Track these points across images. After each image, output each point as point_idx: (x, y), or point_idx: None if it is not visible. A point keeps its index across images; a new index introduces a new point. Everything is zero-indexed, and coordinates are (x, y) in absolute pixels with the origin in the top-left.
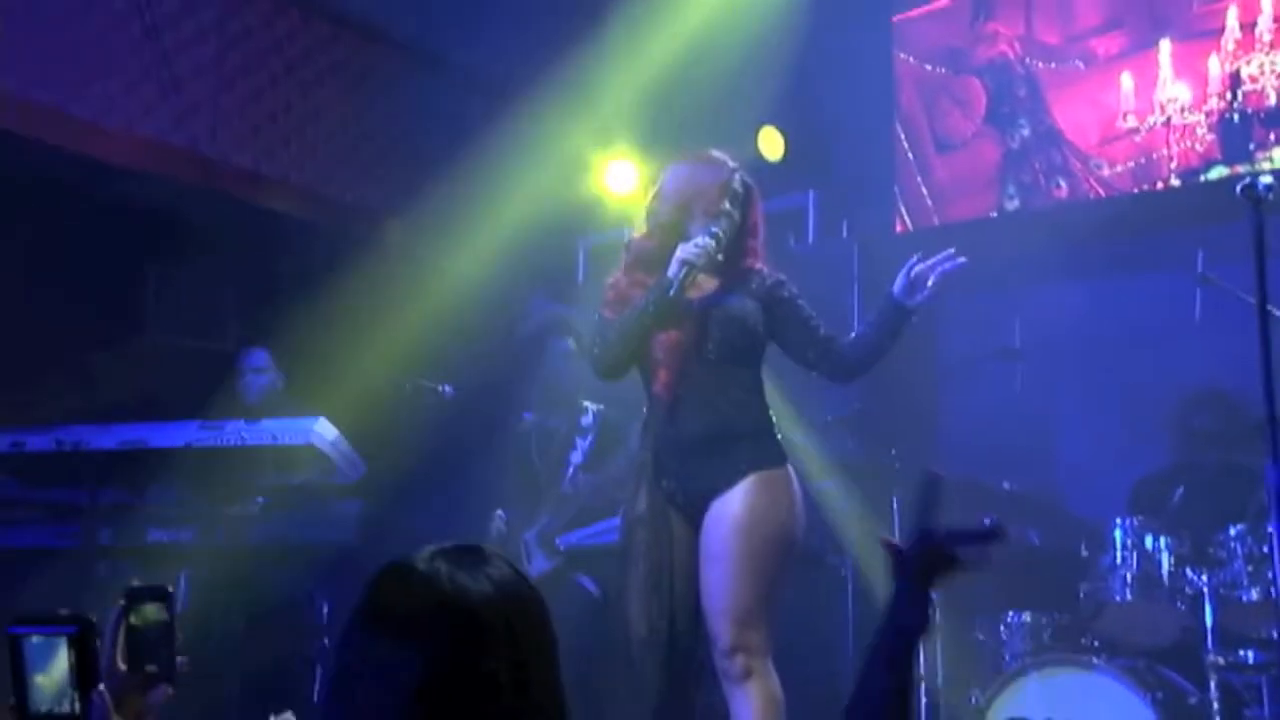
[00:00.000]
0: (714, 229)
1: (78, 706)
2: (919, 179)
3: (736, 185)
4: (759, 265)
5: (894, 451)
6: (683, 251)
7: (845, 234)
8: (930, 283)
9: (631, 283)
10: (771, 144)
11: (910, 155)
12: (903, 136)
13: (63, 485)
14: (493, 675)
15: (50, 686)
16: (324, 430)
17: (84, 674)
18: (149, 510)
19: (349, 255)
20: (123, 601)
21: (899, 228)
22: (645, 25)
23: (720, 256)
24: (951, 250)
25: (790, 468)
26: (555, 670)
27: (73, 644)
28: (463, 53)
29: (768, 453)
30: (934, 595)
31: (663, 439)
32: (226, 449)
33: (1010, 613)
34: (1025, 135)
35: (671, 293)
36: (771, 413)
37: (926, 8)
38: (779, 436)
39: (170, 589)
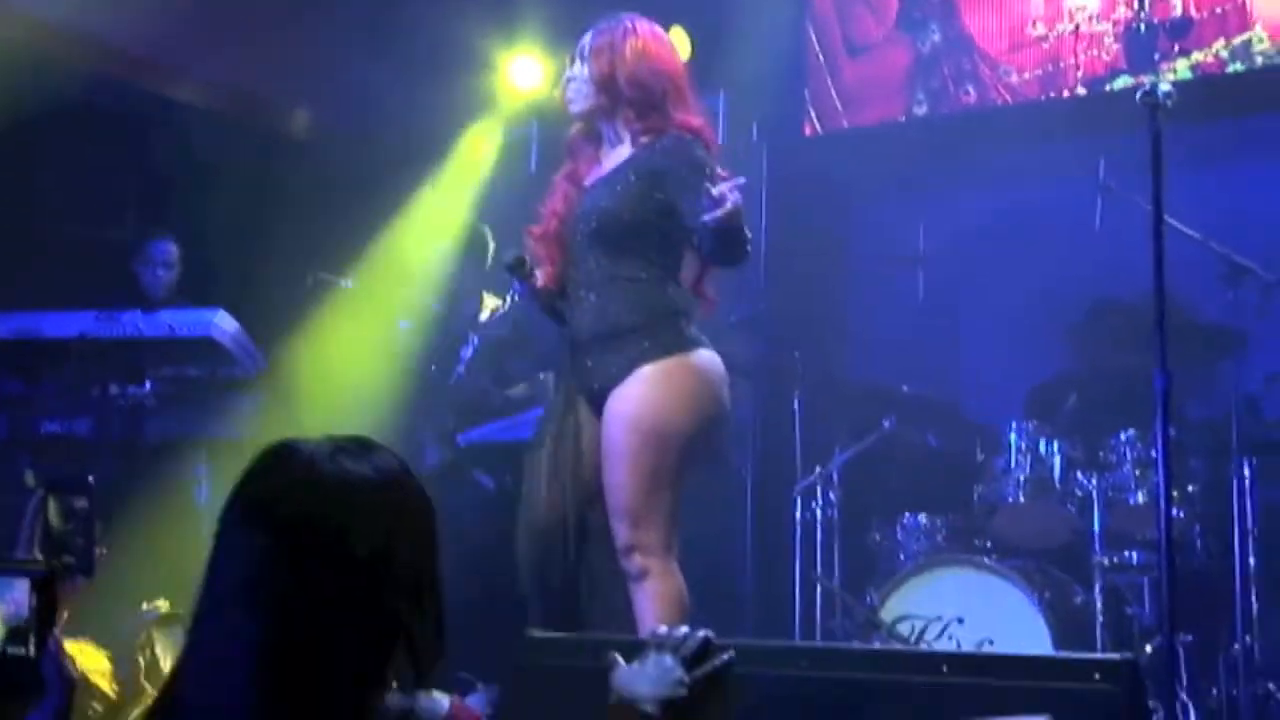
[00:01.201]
0: (510, 267)
1: (35, 650)
2: (829, 81)
3: (584, 42)
4: (654, 129)
5: (797, 354)
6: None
7: (755, 136)
8: (728, 205)
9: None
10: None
11: (821, 58)
12: (814, 38)
13: None
14: (353, 552)
15: (5, 626)
16: (223, 323)
17: (44, 618)
18: (43, 401)
19: (254, 147)
20: (41, 492)
21: (808, 130)
22: None
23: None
24: (742, 179)
25: (696, 355)
26: (430, 557)
27: (35, 587)
28: None
29: (663, 343)
30: None
31: (566, 333)
32: (123, 340)
33: (906, 514)
34: (936, 40)
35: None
36: (674, 297)
37: None
38: (682, 323)
39: (90, 479)
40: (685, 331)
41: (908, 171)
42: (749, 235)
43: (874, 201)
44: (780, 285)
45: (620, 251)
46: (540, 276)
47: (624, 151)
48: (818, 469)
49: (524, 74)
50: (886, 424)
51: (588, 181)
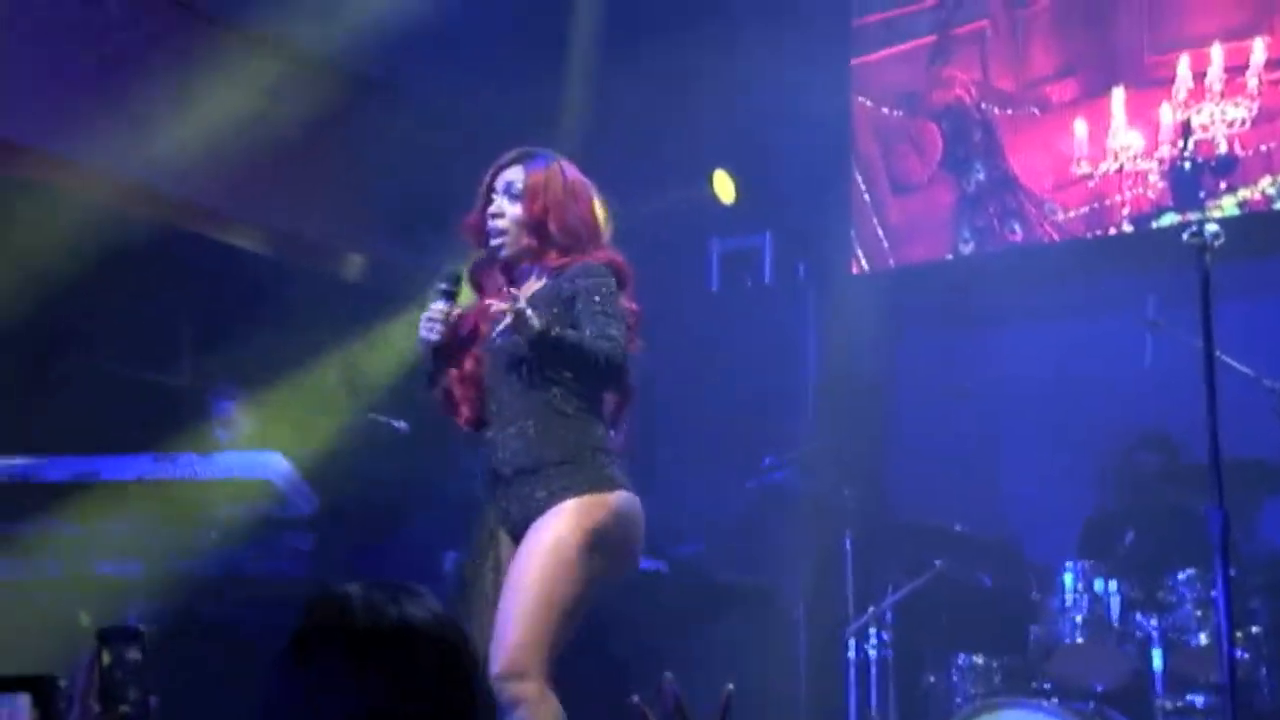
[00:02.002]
0: (440, 283)
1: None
2: (875, 221)
3: (509, 174)
4: (559, 262)
5: (847, 492)
6: (426, 329)
7: (802, 275)
8: (504, 318)
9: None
10: (724, 187)
11: (867, 197)
12: (859, 178)
13: (13, 517)
14: (426, 698)
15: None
16: (278, 464)
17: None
18: (99, 542)
19: (309, 291)
20: (96, 643)
21: (855, 269)
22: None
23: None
24: (516, 292)
25: (616, 496)
26: (474, 703)
27: (36, 703)
28: (424, 87)
29: (585, 479)
30: None
31: (485, 465)
32: (179, 482)
33: (961, 655)
34: (980, 179)
35: (426, 382)
36: (596, 433)
37: (884, 51)
38: (603, 460)
39: (142, 629)
40: (606, 469)
41: (955, 308)
42: (584, 349)
43: (921, 338)
44: (829, 423)
45: (539, 384)
46: (461, 415)
47: (535, 284)
48: (870, 608)
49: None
50: (939, 563)
51: (497, 321)
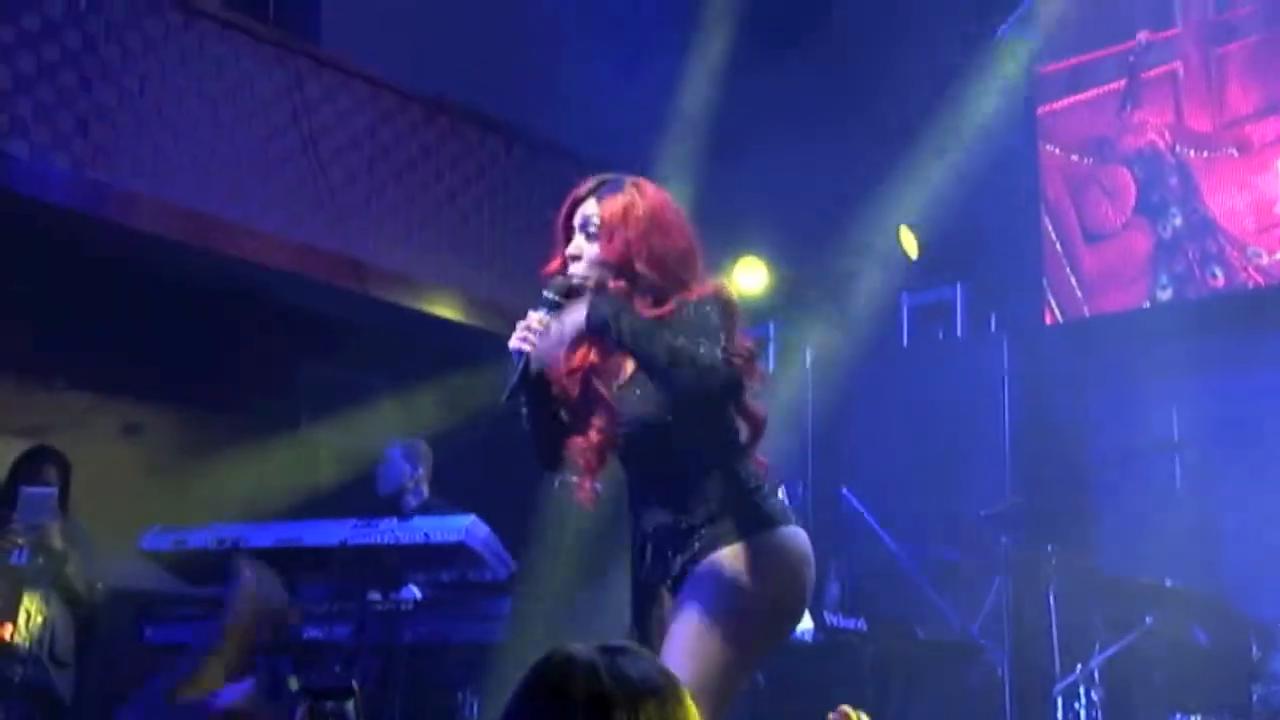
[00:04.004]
0: (548, 293)
1: None
2: (1068, 270)
3: (585, 210)
4: (658, 313)
5: (1050, 548)
6: (520, 337)
7: (994, 327)
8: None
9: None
10: (908, 243)
11: (1058, 246)
12: (1050, 228)
13: (223, 582)
14: None
15: None
16: (475, 529)
17: None
18: (304, 607)
19: (500, 356)
20: (311, 700)
21: (1049, 319)
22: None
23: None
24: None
25: (777, 534)
26: None
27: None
28: (603, 153)
29: (740, 526)
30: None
31: (634, 537)
32: (380, 547)
33: (1177, 715)
34: (1177, 224)
35: (504, 395)
36: (743, 475)
37: (1072, 98)
38: (758, 499)
39: (355, 686)
40: (763, 507)
41: (1156, 357)
42: (649, 350)
43: (1121, 388)
44: (1028, 476)
45: (674, 449)
46: (584, 490)
47: None
48: (1079, 667)
49: (749, 277)
50: (1149, 620)
51: (620, 379)
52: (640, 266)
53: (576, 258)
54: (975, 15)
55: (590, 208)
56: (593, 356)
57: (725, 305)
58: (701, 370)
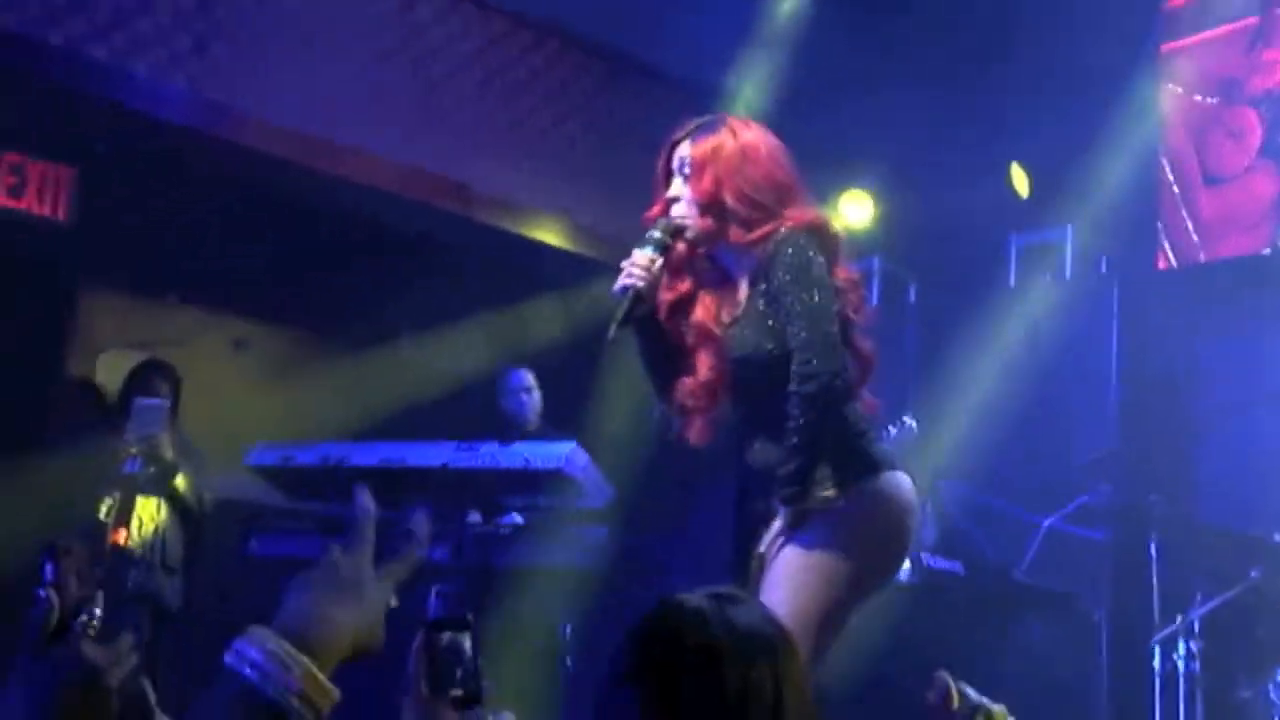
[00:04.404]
0: (654, 231)
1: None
2: (1184, 214)
3: (681, 151)
4: (749, 239)
5: (1153, 497)
6: (627, 275)
7: (1104, 269)
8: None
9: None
10: (1020, 181)
11: (1175, 189)
12: (1168, 169)
13: (328, 498)
14: (765, 700)
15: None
16: (575, 456)
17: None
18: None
19: (603, 285)
20: (427, 629)
21: (1162, 264)
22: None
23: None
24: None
25: (883, 480)
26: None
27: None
28: (717, 79)
29: (846, 471)
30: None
31: (741, 473)
32: (480, 471)
33: None
34: None
35: (611, 332)
36: (850, 418)
37: (1198, 36)
38: (863, 444)
39: (471, 618)
40: (870, 451)
41: (1273, 305)
42: (810, 422)
43: (1235, 337)
44: (1133, 425)
45: (782, 387)
46: (693, 429)
47: (745, 274)
48: (1178, 618)
49: (856, 211)
50: (1254, 574)
51: (726, 317)
52: (730, 201)
53: (676, 199)
54: None
55: (685, 149)
56: (697, 293)
57: (824, 237)
58: (826, 377)
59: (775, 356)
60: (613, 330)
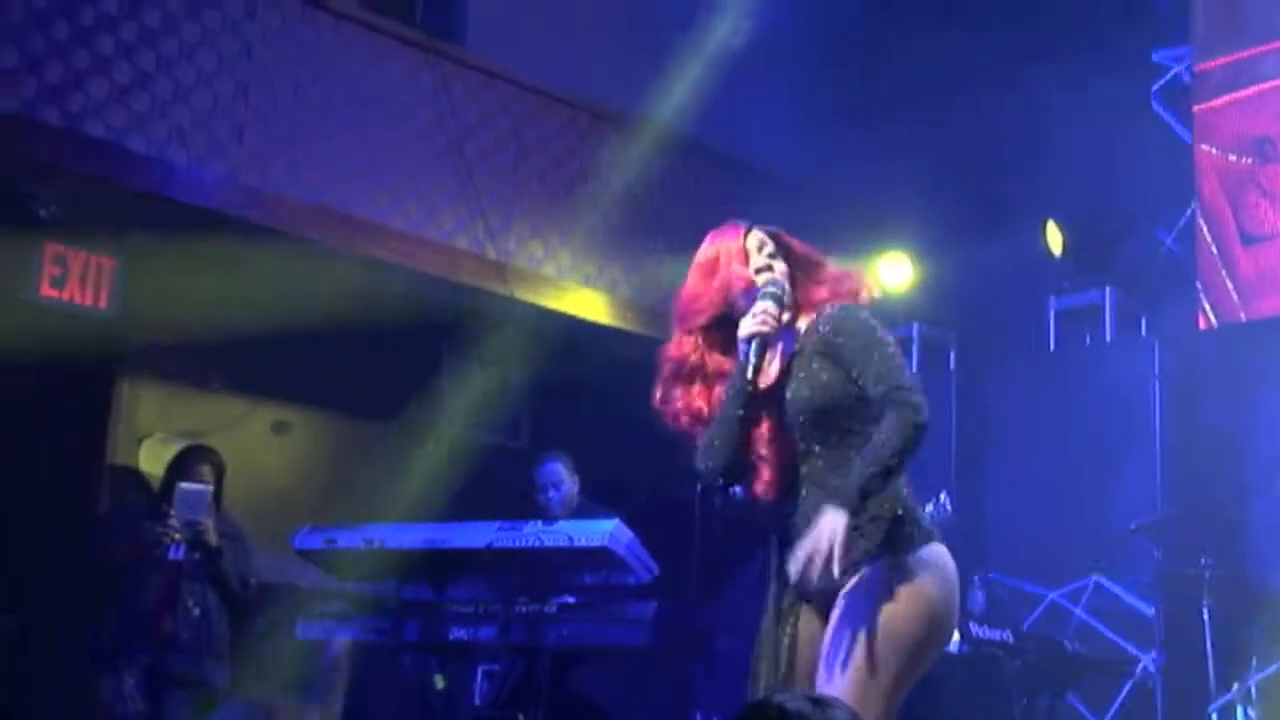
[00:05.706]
0: (770, 288)
1: None
2: (1223, 273)
3: (759, 235)
4: (820, 308)
5: (1204, 560)
6: (744, 328)
7: (1145, 331)
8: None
9: (694, 394)
10: (1053, 239)
11: (1214, 249)
12: (1205, 229)
13: (368, 579)
14: None
15: None
16: (619, 533)
17: None
18: (450, 608)
19: (643, 361)
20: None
21: (1202, 324)
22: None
23: (786, 314)
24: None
25: (928, 552)
26: None
27: None
28: (745, 151)
29: (891, 541)
30: None
31: (782, 536)
32: (525, 550)
33: None
34: None
35: (749, 375)
36: (903, 490)
37: (1229, 96)
38: (905, 514)
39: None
40: (920, 522)
41: None
42: (898, 446)
43: (1277, 395)
44: (1180, 487)
45: (841, 439)
46: (761, 479)
47: (797, 335)
48: (1235, 685)
49: (893, 274)
50: None
51: (774, 372)
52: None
53: (767, 268)
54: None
55: (758, 233)
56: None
57: (867, 297)
58: (921, 407)
59: (836, 409)
60: (749, 375)
